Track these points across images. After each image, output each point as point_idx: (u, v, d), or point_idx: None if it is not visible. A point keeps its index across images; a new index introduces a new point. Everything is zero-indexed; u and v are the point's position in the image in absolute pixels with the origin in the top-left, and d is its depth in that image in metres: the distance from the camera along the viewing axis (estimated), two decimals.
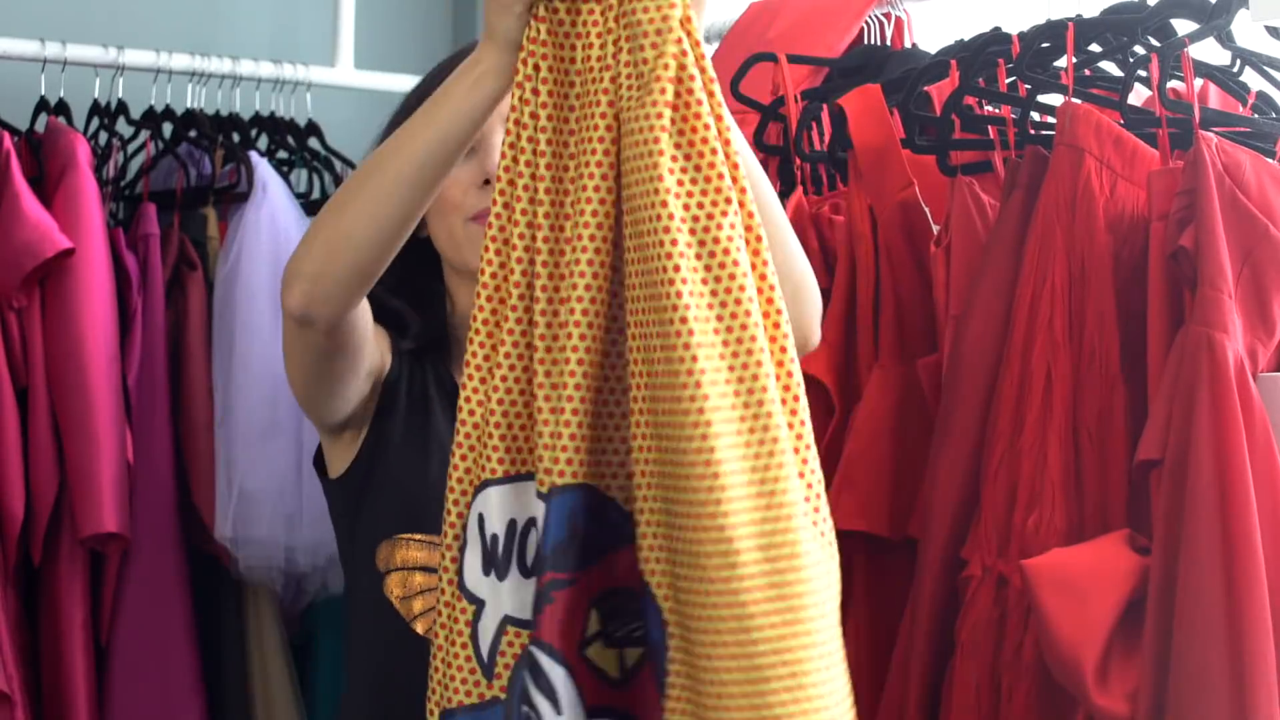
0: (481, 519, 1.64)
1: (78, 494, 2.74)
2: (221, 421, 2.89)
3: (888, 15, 2.71)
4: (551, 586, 1.59)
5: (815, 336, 1.86)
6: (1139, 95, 2.17)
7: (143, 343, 2.87)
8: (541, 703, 1.58)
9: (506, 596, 1.63)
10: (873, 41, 2.71)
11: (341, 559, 2.16)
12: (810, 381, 2.23)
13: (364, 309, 1.93)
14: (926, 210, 2.28)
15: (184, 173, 3.05)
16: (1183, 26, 2.10)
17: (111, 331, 2.80)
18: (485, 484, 1.64)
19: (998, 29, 2.30)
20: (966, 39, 2.35)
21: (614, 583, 1.62)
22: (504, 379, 1.64)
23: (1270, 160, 2.00)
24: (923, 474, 2.17)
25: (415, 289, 2.13)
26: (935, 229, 2.26)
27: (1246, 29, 2.09)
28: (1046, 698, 1.96)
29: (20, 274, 2.73)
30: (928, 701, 2.10)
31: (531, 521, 1.63)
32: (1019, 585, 1.97)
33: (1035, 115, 2.22)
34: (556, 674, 1.58)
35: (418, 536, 2.03)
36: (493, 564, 1.63)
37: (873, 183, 2.27)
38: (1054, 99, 2.19)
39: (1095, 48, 2.18)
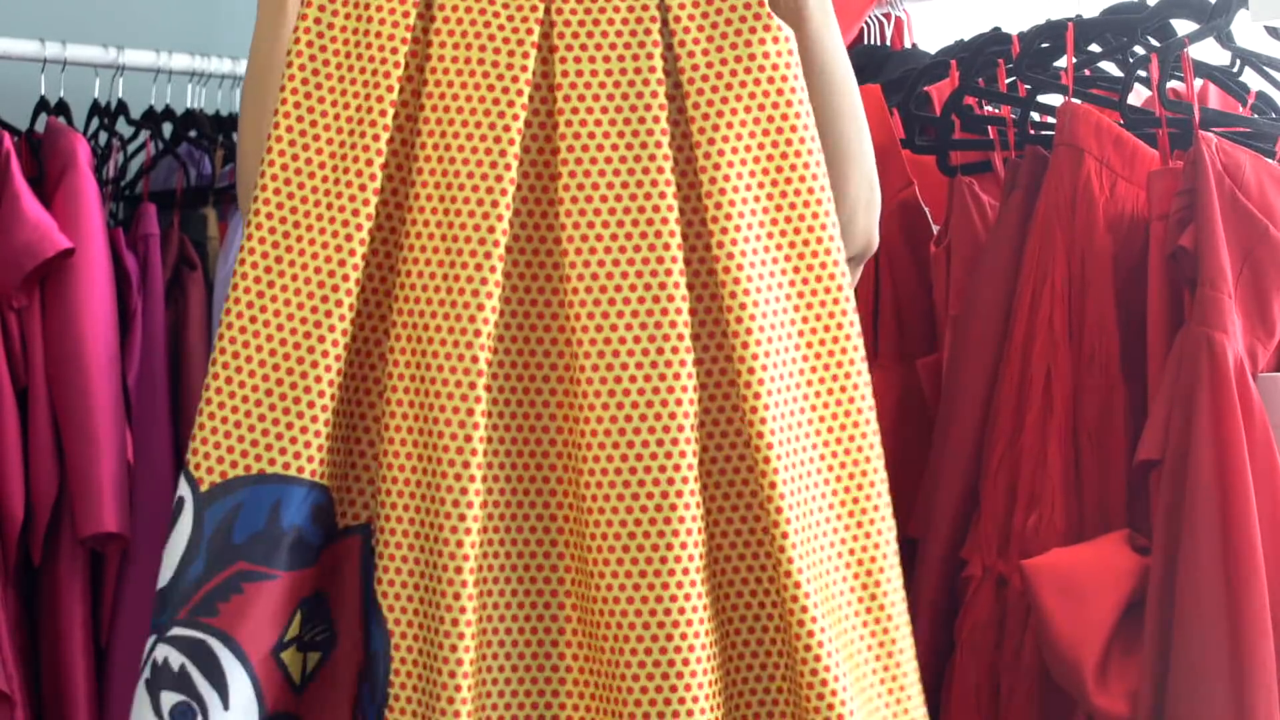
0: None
1: (78, 494, 2.73)
2: None
3: (887, 15, 2.71)
4: (241, 578, 1.53)
5: (875, 239, 1.82)
6: (1139, 95, 2.17)
7: (143, 343, 2.87)
8: (209, 695, 1.52)
9: None
10: (873, 42, 2.72)
11: None
12: None
13: None
14: (926, 210, 2.28)
15: (184, 173, 3.05)
16: (1182, 27, 2.10)
17: (111, 331, 2.80)
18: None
19: (997, 29, 2.30)
20: (966, 39, 2.36)
21: (316, 586, 1.57)
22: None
23: (1270, 160, 2.00)
24: (923, 474, 2.17)
25: None
26: (935, 229, 2.26)
27: (1246, 29, 2.09)
28: (1046, 698, 1.96)
29: (20, 274, 2.73)
30: (927, 701, 2.10)
31: (179, 503, 1.58)
32: (1019, 585, 1.97)
33: (1035, 115, 2.22)
34: (235, 672, 1.53)
35: None
36: None
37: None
38: (1054, 99, 2.19)
39: (1095, 48, 2.18)
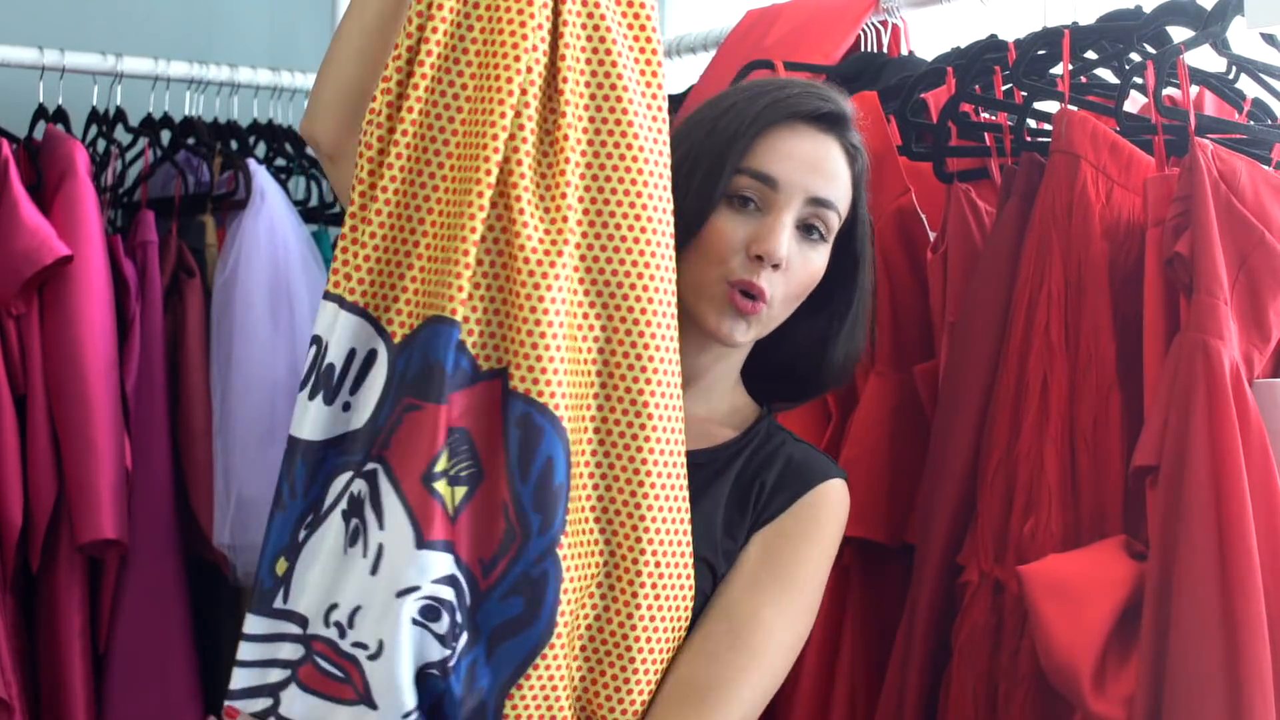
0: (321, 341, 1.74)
1: (76, 500, 2.74)
2: (219, 428, 2.89)
3: (884, 23, 2.71)
4: (405, 411, 1.66)
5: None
6: (1135, 102, 2.17)
7: (141, 350, 2.87)
8: (370, 516, 1.65)
9: (314, 421, 1.73)
10: (869, 49, 2.72)
11: None
12: None
13: None
14: (923, 217, 2.28)
15: (182, 180, 3.05)
16: (1178, 34, 2.10)
17: (110, 338, 2.80)
18: (338, 301, 1.73)
19: (994, 36, 2.30)
20: (963, 46, 2.36)
21: (460, 422, 1.67)
22: (385, 215, 1.73)
23: (1266, 167, 2.00)
24: (920, 480, 2.17)
25: None
26: (932, 236, 2.27)
27: (1242, 36, 2.09)
28: (1043, 703, 1.96)
29: (19, 281, 2.73)
30: (924, 707, 2.10)
31: (372, 355, 1.72)
32: (1016, 591, 1.97)
33: (1031, 122, 2.23)
34: (390, 497, 1.65)
35: None
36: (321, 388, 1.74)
37: (869, 189, 2.27)
38: (1050, 106, 2.19)
39: (1091, 55, 2.19)
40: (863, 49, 2.72)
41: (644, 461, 1.71)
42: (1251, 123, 2.13)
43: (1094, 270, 2.02)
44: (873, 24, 2.71)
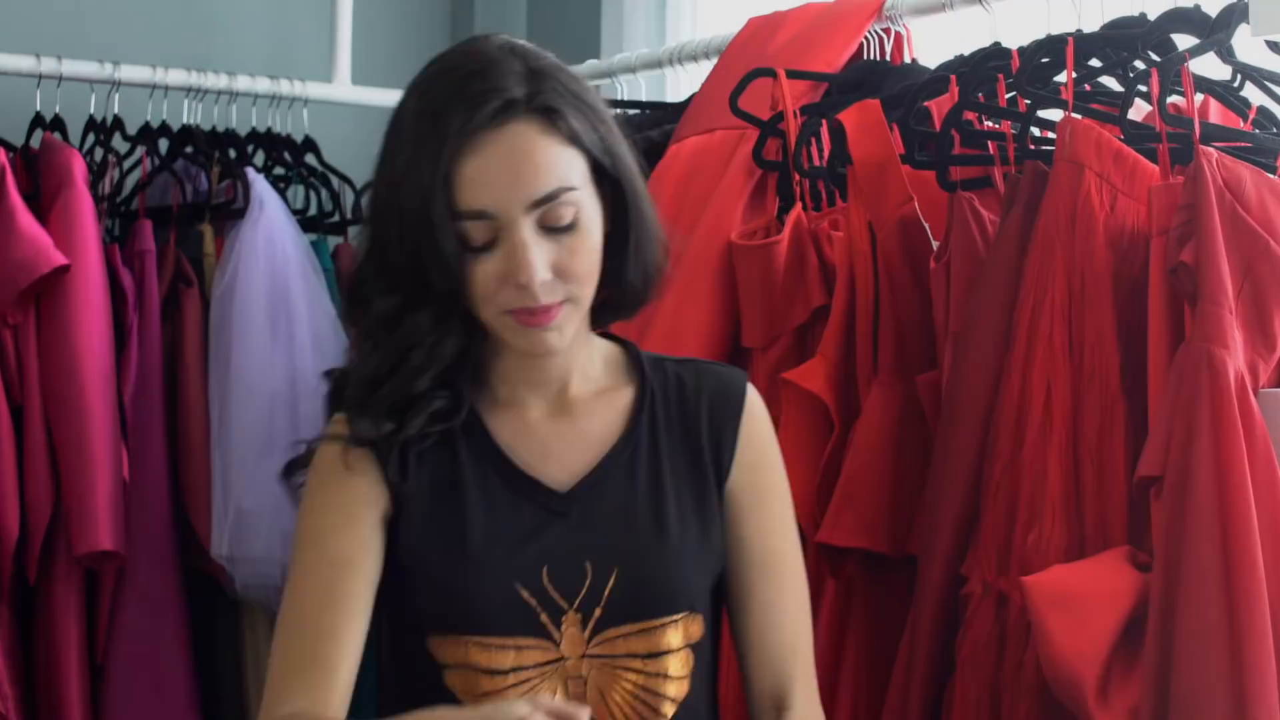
0: None
1: (73, 511, 2.73)
2: (217, 439, 2.88)
3: (887, 31, 2.70)
4: None
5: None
6: (1139, 110, 2.16)
7: (139, 360, 2.86)
8: None
9: None
10: (872, 57, 2.71)
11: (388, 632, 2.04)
12: (810, 398, 2.23)
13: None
14: (926, 226, 2.28)
15: (180, 189, 3.04)
16: (1183, 41, 2.09)
17: (107, 348, 2.80)
18: None
19: (997, 44, 2.29)
20: (966, 54, 2.35)
21: None
22: None
23: (1271, 176, 2.00)
24: (923, 491, 2.16)
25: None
26: (935, 245, 2.26)
27: (1247, 44, 2.08)
28: (1047, 715, 1.96)
29: (15, 290, 2.72)
30: (928, 719, 2.09)
31: None
32: (1019, 602, 1.96)
33: (1035, 130, 2.22)
34: None
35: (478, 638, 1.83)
36: None
37: (872, 198, 2.27)
38: (1054, 114, 2.19)
39: (1095, 63, 2.18)
40: (865, 57, 2.71)
41: None
42: (1257, 131, 2.13)
43: (1098, 279, 2.01)
44: (876, 32, 2.70)
